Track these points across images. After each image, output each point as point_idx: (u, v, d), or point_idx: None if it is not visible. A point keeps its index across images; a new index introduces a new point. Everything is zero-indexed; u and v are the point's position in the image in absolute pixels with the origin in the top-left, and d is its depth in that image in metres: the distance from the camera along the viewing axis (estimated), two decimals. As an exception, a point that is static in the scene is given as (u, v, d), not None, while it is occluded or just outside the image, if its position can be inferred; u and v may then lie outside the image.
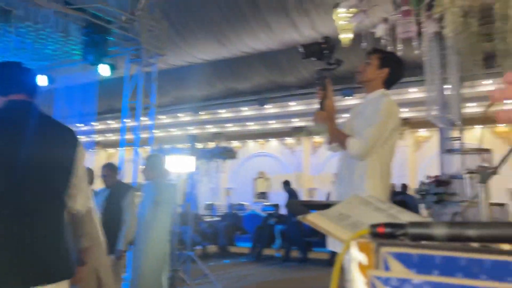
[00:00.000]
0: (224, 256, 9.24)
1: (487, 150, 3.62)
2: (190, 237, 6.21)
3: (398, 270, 0.44)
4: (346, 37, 5.67)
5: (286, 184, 9.43)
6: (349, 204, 0.83)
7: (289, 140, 13.62)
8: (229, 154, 10.27)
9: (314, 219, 0.70)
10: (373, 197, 1.01)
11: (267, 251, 9.10)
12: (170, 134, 13.78)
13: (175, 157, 6.90)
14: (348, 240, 0.49)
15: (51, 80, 8.16)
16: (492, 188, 1.33)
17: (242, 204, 12.67)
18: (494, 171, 1.16)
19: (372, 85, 2.35)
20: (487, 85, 8.16)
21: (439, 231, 0.49)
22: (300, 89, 10.51)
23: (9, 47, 6.33)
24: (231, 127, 13.35)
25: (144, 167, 4.56)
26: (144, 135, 7.25)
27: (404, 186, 9.25)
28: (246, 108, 11.51)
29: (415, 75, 8.76)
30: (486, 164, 1.11)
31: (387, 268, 0.44)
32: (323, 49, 2.33)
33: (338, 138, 2.30)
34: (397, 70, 2.36)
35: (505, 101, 0.51)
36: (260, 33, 8.40)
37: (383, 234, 0.50)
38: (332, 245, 2.21)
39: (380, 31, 3.47)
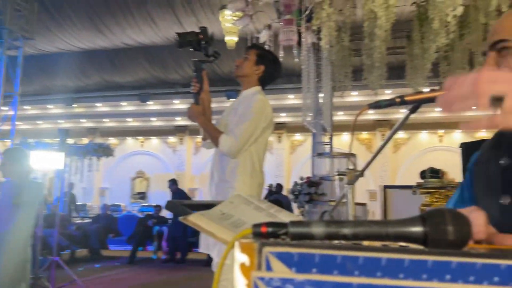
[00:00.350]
0: (96, 260, 8.65)
1: (353, 155, 4.00)
2: (56, 241, 5.67)
3: (280, 270, 0.43)
4: (231, 39, 5.77)
5: (173, 183, 9.19)
6: (231, 203, 0.82)
7: (172, 139, 13.36)
8: (105, 151, 9.67)
9: (195, 219, 0.67)
10: (254, 196, 1.02)
11: (144, 254, 8.79)
12: (37, 127, 12.45)
13: (41, 152, 6.23)
14: (232, 240, 0.47)
15: None
16: (356, 189, 1.47)
17: (118, 205, 12.01)
18: (360, 173, 1.27)
19: (248, 81, 2.33)
20: (354, 96, 9.07)
21: (318, 230, 0.50)
22: (185, 87, 10.39)
23: None
24: (108, 123, 12.60)
25: (2, 162, 4.02)
26: (4, 127, 6.42)
27: (279, 186, 9.75)
28: (125, 103, 10.97)
29: (293, 82, 9.37)
30: (352, 167, 1.23)
31: (269, 268, 0.44)
32: (200, 39, 2.26)
33: (210, 134, 2.25)
34: (273, 69, 2.36)
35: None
36: (144, 27, 8.09)
37: (266, 234, 0.50)
38: (204, 247, 2.19)
39: (264, 36, 3.60)
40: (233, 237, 0.47)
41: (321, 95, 6.06)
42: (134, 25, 8.02)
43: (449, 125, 11.29)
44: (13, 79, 6.45)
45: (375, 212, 9.71)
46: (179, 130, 12.97)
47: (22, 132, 12.06)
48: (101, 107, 11.34)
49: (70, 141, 8.61)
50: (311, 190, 5.52)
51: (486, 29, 3.98)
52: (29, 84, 9.49)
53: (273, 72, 2.37)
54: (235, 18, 4.53)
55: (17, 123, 6.68)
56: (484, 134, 10.75)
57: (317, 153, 6.16)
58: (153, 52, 9.20)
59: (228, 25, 5.73)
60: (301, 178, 5.85)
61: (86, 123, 12.72)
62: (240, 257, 0.46)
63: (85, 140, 11.65)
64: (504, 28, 0.94)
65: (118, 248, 9.31)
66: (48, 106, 11.50)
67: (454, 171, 4.38)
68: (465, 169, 1.36)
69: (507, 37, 0.93)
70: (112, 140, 13.36)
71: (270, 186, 9.63)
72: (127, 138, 13.67)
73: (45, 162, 6.10)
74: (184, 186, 12.84)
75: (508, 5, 3.32)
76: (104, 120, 12.31)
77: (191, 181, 13.12)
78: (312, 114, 5.73)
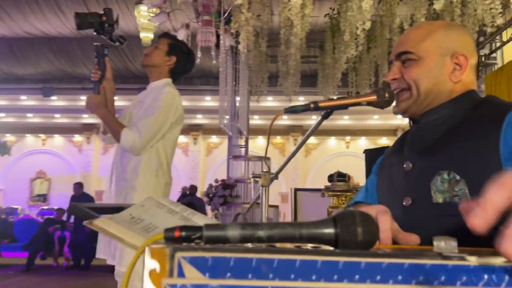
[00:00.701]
0: (-15, 269, 7.80)
1: (268, 158, 4.08)
2: None
3: (192, 276, 0.41)
4: (146, 36, 5.59)
5: (80, 186, 8.64)
6: (141, 207, 0.77)
7: (78, 137, 12.54)
8: (1, 149, 8.77)
9: (102, 224, 0.62)
10: (166, 198, 0.98)
11: (43, 261, 8.12)
12: None
13: None
14: (142, 246, 0.44)
15: None
16: (269, 192, 1.50)
17: (14, 208, 10.95)
18: (275, 176, 1.30)
19: (158, 72, 2.15)
20: (270, 101, 9.31)
21: (233, 233, 0.49)
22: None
23: None
24: (5, 118, 11.44)
25: None
26: None
27: (193, 188, 9.65)
28: (26, 97, 10.06)
29: (211, 84, 9.35)
30: (267, 170, 1.25)
31: (181, 274, 0.42)
32: (103, 22, 2.06)
33: (111, 127, 2.04)
34: (185, 61, 2.21)
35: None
36: (50, 15, 7.50)
37: (179, 238, 0.47)
38: (101, 253, 2.02)
39: (181, 35, 3.53)
40: (144, 242, 0.44)
41: (238, 98, 6.12)
42: (39, 13, 7.41)
43: (355, 132, 12.11)
44: None
45: (286, 214, 10.04)
46: (87, 128, 12.23)
47: None
48: (-3, 100, 10.28)
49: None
50: (225, 192, 5.54)
51: (390, 44, 4.33)
52: None
53: (186, 65, 2.22)
54: (151, 15, 4.39)
55: None
56: (385, 142, 11.69)
57: (233, 156, 6.20)
58: (59, 43, 8.56)
59: (144, 21, 5.54)
60: (216, 181, 5.84)
61: (-21, 117, 11.46)
62: (150, 263, 0.43)
63: (-23, 136, 10.47)
64: (410, 40, 1.02)
65: (13, 255, 8.51)
66: None
67: (359, 175, 4.70)
68: (368, 174, 1.45)
69: (411, 49, 1.00)
70: (9, 137, 12.17)
71: (184, 188, 9.50)
72: (26, 135, 12.54)
73: None
74: (91, 188, 12.13)
75: (409, 24, 3.65)
76: (0, 114, 11.17)
77: (98, 182, 12.43)
78: (228, 117, 5.76)
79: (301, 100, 8.99)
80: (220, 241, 0.48)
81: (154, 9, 4.29)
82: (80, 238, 7.62)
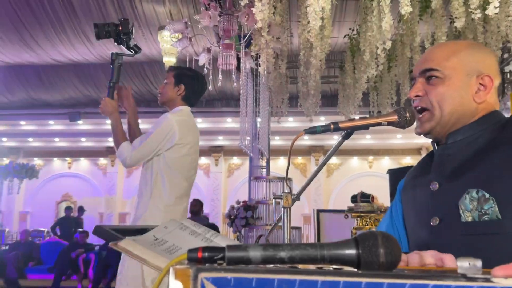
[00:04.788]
0: (12, 291, 7.93)
1: (289, 179, 4.06)
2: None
3: (215, 297, 0.42)
4: (169, 60, 5.73)
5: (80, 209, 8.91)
6: (165, 228, 0.79)
7: (102, 161, 12.79)
8: (29, 172, 9.02)
9: (126, 245, 0.63)
10: (189, 220, 0.99)
11: (69, 283, 8.20)
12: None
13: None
14: (167, 267, 0.45)
15: None
16: (291, 213, 1.49)
17: (41, 231, 11.16)
18: (297, 197, 1.29)
19: (172, 104, 2.28)
20: (290, 122, 9.33)
21: (255, 254, 0.50)
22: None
23: None
24: (32, 142, 11.79)
25: None
26: None
27: (195, 204, 9.68)
28: (53, 122, 10.36)
29: (232, 106, 9.45)
30: (289, 191, 1.25)
31: (204, 295, 0.42)
32: (119, 31, 2.20)
33: (116, 135, 2.18)
34: (194, 84, 2.31)
35: None
36: (77, 43, 7.79)
37: (202, 259, 0.48)
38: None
39: (203, 59, 3.61)
40: (168, 264, 0.45)
41: (258, 119, 6.16)
42: (66, 41, 7.70)
43: (378, 152, 11.95)
44: None
45: (309, 236, 9.90)
46: (111, 152, 12.47)
47: None
48: (25, 125, 10.61)
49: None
50: (247, 214, 5.52)
51: (411, 63, 4.31)
52: None
53: (196, 87, 2.32)
54: (174, 40, 4.51)
55: None
56: (409, 161, 11.48)
57: (254, 177, 6.20)
58: (85, 70, 8.85)
59: (167, 46, 5.69)
60: (238, 202, 5.83)
61: (7, 142, 11.82)
62: (175, 284, 0.44)
63: (6, 161, 10.79)
64: (436, 58, 1.02)
65: (40, 277, 8.62)
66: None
67: (383, 196, 4.61)
68: (392, 194, 1.43)
69: (437, 67, 1.00)
70: (37, 161, 12.51)
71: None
72: (53, 159, 12.87)
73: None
74: (115, 210, 12.29)
75: (430, 42, 3.63)
76: (28, 139, 11.52)
77: (123, 205, 12.59)
78: (249, 138, 5.80)
79: (322, 120, 8.96)
80: (242, 262, 0.49)
81: (177, 34, 4.41)
82: (111, 261, 7.64)
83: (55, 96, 9.52)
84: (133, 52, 2.26)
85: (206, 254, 0.50)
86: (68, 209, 9.17)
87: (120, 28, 2.20)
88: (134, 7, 7.05)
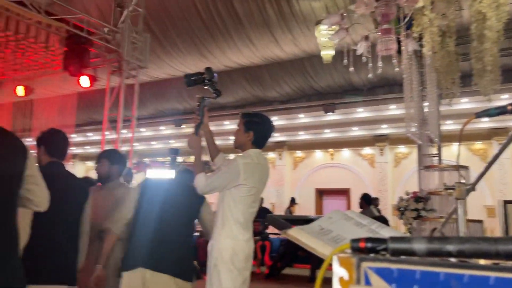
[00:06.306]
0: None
1: (464, 167, 3.70)
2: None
3: (379, 285, 0.44)
4: (327, 53, 5.77)
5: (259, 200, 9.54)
6: (329, 219, 0.83)
7: (271, 155, 13.63)
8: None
9: (295, 234, 0.69)
10: (353, 212, 1.01)
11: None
12: (151, 147, 13.64)
13: (155, 170, 6.83)
14: (330, 255, 0.49)
15: (29, 90, 8.03)
16: (470, 205, 1.36)
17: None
18: (471, 187, 1.18)
19: (244, 147, 2.61)
20: (464, 103, 8.39)
21: (419, 246, 0.49)
22: (282, 103, 10.59)
23: (-13, 56, 6.21)
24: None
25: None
26: (125, 148, 7.16)
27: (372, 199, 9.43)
28: (228, 122, 11.51)
29: (395, 92, 8.98)
30: (463, 181, 1.13)
31: (368, 283, 0.44)
32: (204, 78, 2.60)
33: (197, 165, 2.58)
34: (262, 131, 2.62)
35: None
36: (243, 48, 8.47)
37: (364, 249, 0.50)
38: None
39: (361, 48, 3.53)
40: (331, 252, 0.48)
41: (426, 104, 5.71)
42: (234, 47, 8.44)
43: None
44: (130, 105, 7.19)
45: (494, 230, 8.76)
46: (278, 146, 13.19)
47: (139, 153, 13.30)
48: (206, 126, 12.02)
49: (180, 159, 9.25)
50: (418, 206, 5.19)
51: None
52: (143, 109, 10.50)
53: (263, 133, 2.63)
54: (330, 32, 4.52)
55: (134, 144, 7.40)
56: None
57: (424, 166, 5.78)
58: (252, 72, 9.56)
59: (324, 40, 5.74)
60: (407, 193, 5.53)
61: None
62: (339, 271, 0.47)
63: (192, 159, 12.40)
64: None
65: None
66: (160, 127, 12.54)
67: None
68: None
69: None
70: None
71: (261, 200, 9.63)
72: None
73: (158, 179, 6.67)
74: (284, 201, 12.98)
75: None
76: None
77: (291, 196, 13.21)
78: (416, 124, 5.42)
79: (503, 99, 7.80)
80: (406, 253, 0.48)
81: (333, 27, 4.41)
82: (291, 248, 8.09)
83: (228, 98, 10.56)
84: (215, 95, 2.64)
85: (369, 244, 0.51)
86: (260, 200, 9.83)
87: (205, 75, 2.59)
88: (291, 5, 7.31)
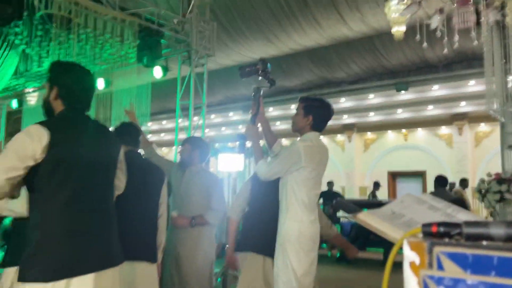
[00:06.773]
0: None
1: (555, 146, 3.39)
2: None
3: (452, 270, 0.43)
4: (398, 30, 5.49)
5: (329, 184, 9.40)
6: (401, 203, 0.81)
7: (339, 137, 13.39)
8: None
9: (365, 217, 0.69)
10: (427, 195, 0.98)
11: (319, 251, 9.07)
12: (221, 133, 14.02)
13: (225, 155, 7.03)
14: (401, 239, 0.49)
15: (108, 82, 8.58)
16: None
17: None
18: (561, 168, 1.08)
19: (303, 131, 2.65)
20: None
21: (497, 231, 0.48)
22: (351, 84, 10.31)
23: (71, 52, 6.72)
24: (279, 126, 13.34)
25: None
26: (196, 134, 7.43)
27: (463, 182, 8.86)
28: (294, 106, 11.47)
29: (474, 67, 8.35)
30: None
31: (440, 267, 0.44)
32: (258, 69, 2.67)
33: (256, 153, 2.65)
34: (320, 115, 2.65)
35: None
36: (309, 29, 8.33)
37: (437, 234, 0.49)
38: None
39: (435, 22, 3.32)
40: (402, 236, 0.48)
41: (510, 78, 5.26)
42: (300, 29, 8.33)
43: None
44: (200, 93, 7.42)
45: None
46: (347, 128, 12.91)
47: (210, 138, 13.74)
48: (272, 111, 12.08)
49: (248, 144, 9.43)
50: (501, 188, 4.84)
51: None
52: (213, 96, 10.78)
53: (323, 117, 2.67)
54: (401, 7, 4.30)
55: (205, 130, 7.65)
56: None
57: (508, 145, 5.35)
58: (318, 53, 9.39)
59: (395, 16, 5.47)
60: (489, 175, 5.17)
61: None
62: (410, 255, 0.47)
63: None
64: None
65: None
66: (229, 114, 12.82)
67: None
68: None
69: None
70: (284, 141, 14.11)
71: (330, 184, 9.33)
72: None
73: (229, 164, 6.85)
74: (354, 184, 12.74)
75: None
76: (276, 123, 13.09)
77: (361, 178, 12.93)
78: (499, 100, 5.02)
79: None
80: (482, 238, 0.47)
81: (405, 1, 4.19)
82: (364, 232, 8.02)
83: (294, 81, 10.49)
84: (269, 84, 2.71)
85: (442, 229, 0.50)
86: (329, 184, 9.72)
87: (259, 67, 2.66)
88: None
